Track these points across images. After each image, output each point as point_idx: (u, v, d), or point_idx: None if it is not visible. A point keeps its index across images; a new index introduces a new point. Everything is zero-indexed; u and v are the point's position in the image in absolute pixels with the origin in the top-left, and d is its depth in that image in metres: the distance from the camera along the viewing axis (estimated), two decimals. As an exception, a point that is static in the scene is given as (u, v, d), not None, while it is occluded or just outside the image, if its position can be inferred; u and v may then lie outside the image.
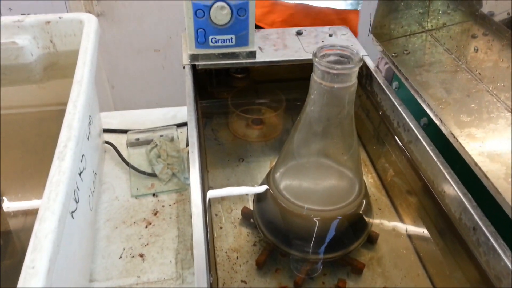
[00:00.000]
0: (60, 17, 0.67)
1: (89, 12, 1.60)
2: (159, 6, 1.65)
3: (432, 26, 0.71)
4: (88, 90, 0.52)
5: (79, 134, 0.45)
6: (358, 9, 1.00)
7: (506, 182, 0.45)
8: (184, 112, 0.89)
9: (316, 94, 0.45)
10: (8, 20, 0.66)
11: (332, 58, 0.45)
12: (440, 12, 0.71)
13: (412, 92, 0.63)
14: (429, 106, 0.58)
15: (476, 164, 0.47)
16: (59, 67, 0.69)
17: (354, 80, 0.43)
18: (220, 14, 0.64)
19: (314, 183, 0.50)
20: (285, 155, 0.51)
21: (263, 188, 0.53)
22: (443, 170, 0.50)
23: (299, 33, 0.77)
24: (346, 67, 0.41)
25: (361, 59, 0.42)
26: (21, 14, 1.72)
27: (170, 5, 1.62)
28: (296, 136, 0.49)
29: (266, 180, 0.53)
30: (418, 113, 0.62)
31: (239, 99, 0.71)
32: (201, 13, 0.65)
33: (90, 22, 0.66)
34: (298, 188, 0.50)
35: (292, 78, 0.74)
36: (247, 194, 0.60)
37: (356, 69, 0.42)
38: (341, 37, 0.77)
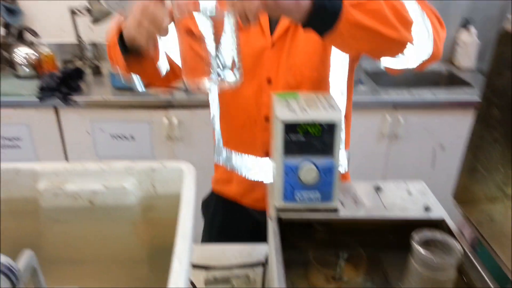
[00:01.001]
0: (164, 166, 0.75)
1: (169, 136, 1.76)
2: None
3: (513, 193, 0.72)
4: (191, 244, 0.57)
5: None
6: (347, 171, 1.07)
7: None
8: (259, 250, 0.92)
9: (413, 277, 0.47)
10: (120, 166, 0.75)
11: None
12: (521, 178, 0.73)
13: (498, 262, 0.63)
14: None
15: None
16: (156, 209, 0.76)
17: (453, 269, 0.45)
18: (309, 175, 0.70)
19: None
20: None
21: None
22: None
23: (377, 189, 0.80)
24: (447, 263, 0.43)
25: (462, 254, 0.44)
26: (113, 137, 1.87)
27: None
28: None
29: None
30: (504, 277, 0.61)
31: (318, 251, 0.73)
32: (290, 172, 0.71)
33: (189, 172, 0.74)
34: None
35: (372, 233, 0.76)
36: None
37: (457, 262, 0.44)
38: (417, 193, 0.80)
